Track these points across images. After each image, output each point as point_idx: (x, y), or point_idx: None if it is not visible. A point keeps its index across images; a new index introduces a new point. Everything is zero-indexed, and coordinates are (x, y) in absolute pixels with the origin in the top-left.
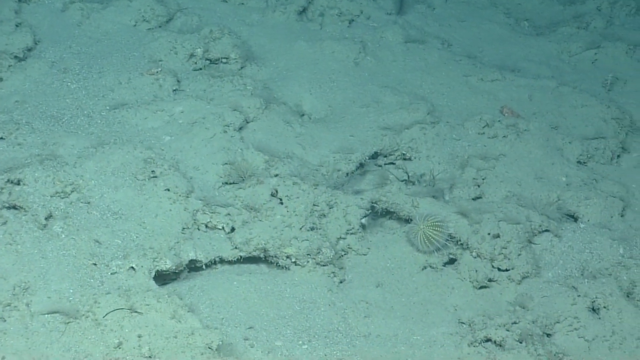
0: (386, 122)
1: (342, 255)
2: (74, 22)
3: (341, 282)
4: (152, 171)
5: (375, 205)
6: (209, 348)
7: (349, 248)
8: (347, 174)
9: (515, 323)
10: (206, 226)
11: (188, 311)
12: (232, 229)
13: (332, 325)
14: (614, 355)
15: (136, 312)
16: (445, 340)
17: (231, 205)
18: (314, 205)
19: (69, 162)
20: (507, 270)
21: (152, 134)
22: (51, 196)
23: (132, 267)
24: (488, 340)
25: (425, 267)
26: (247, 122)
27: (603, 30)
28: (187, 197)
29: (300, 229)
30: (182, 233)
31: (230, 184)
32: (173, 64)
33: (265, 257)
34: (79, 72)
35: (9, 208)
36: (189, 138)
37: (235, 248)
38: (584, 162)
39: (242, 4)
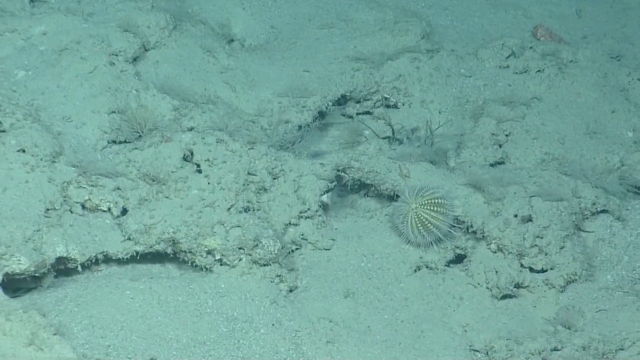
0: (359, 50)
1: (292, 250)
2: None
3: (291, 290)
4: None
5: (342, 174)
6: None
7: (302, 239)
8: (300, 127)
9: (556, 350)
10: (83, 206)
11: (54, 334)
12: (124, 211)
13: (278, 356)
14: None
15: None
16: None
17: (122, 175)
18: (249, 174)
19: None
20: (543, 270)
21: None
22: None
23: None
24: None
25: (419, 268)
26: (146, 50)
27: None
28: (53, 162)
29: (229, 209)
30: (46, 216)
31: (121, 142)
32: None
33: (174, 253)
34: None
35: None
36: (55, 73)
37: (129, 239)
38: None
39: None
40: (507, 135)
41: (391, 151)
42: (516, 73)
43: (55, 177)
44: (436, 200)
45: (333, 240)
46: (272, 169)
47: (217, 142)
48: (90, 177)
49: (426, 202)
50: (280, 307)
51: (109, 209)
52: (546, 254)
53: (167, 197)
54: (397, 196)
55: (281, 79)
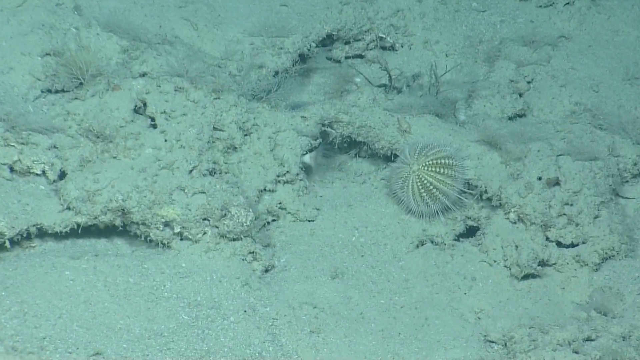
0: None
1: (268, 222)
2: None
3: (267, 270)
4: None
5: (329, 129)
6: None
7: (280, 208)
8: (277, 73)
9: (590, 340)
10: (11, 169)
11: None
12: (62, 175)
13: (251, 349)
14: None
15: None
16: None
17: (59, 131)
18: (215, 129)
19: None
20: (574, 245)
21: None
22: None
23: None
24: None
25: (422, 242)
26: None
27: None
28: None
29: (191, 172)
30: None
31: (57, 91)
32: None
33: (124, 225)
34: None
35: None
36: None
37: (68, 209)
38: None
39: None
40: (529, 82)
41: (388, 102)
42: (540, 6)
43: None
44: (443, 161)
45: (317, 209)
46: (243, 123)
47: (175, 90)
48: (20, 133)
49: (430, 162)
50: (253, 291)
51: (44, 172)
52: (577, 225)
53: (114, 158)
54: (396, 156)
55: (253, 15)
